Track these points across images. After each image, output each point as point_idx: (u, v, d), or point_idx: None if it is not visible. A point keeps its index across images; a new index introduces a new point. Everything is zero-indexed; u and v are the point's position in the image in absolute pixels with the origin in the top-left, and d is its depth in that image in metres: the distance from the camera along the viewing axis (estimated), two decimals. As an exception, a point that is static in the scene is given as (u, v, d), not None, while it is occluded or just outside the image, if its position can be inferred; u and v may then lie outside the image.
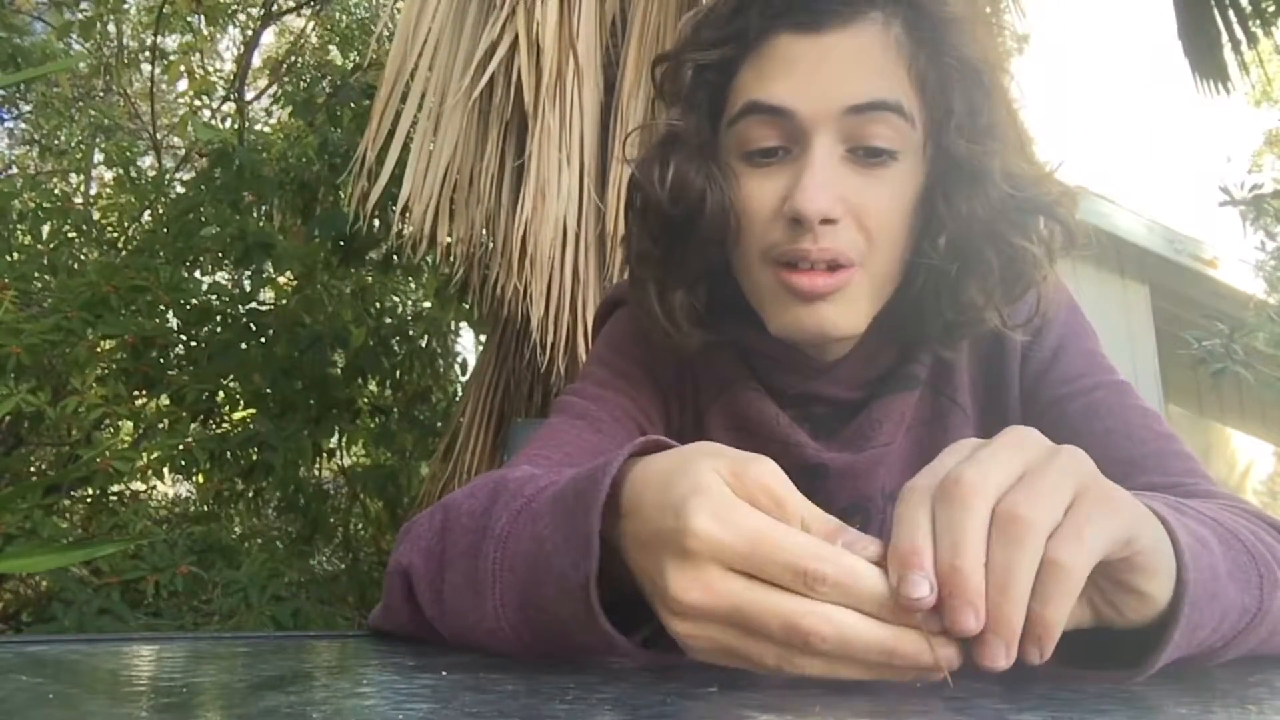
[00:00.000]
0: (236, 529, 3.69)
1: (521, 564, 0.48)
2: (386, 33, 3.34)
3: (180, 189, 3.61)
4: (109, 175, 4.24)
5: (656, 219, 0.70)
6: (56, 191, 3.48)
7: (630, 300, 0.76)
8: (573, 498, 0.46)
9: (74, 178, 4.66)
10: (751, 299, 0.70)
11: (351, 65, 4.18)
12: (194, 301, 3.07)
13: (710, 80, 0.69)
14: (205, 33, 4.71)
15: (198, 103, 4.50)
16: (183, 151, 5.18)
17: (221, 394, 3.16)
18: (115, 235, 3.72)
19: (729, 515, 0.38)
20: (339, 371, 3.39)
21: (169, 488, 4.67)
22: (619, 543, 0.44)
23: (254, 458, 3.05)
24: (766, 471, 0.40)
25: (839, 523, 0.41)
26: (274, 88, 4.89)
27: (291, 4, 4.92)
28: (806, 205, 0.62)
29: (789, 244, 0.64)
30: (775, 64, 0.65)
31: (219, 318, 3.15)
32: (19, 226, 3.27)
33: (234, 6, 4.73)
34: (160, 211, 3.52)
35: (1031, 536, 0.37)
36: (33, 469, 3.52)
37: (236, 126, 3.99)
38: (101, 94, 5.46)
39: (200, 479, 3.16)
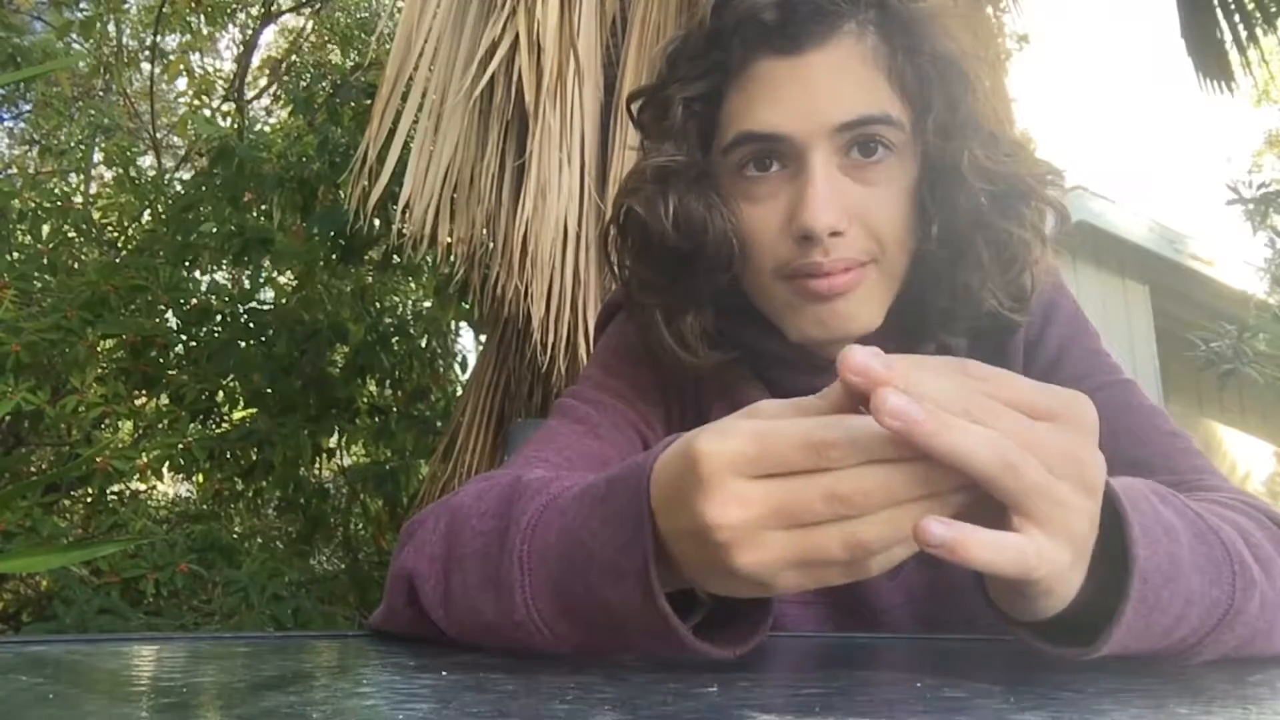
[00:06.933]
0: (236, 528, 3.69)
1: (553, 555, 0.49)
2: (387, 32, 3.34)
3: (180, 188, 3.60)
4: (109, 175, 4.23)
5: (661, 251, 0.71)
6: (56, 191, 3.47)
7: (635, 325, 0.78)
8: (605, 487, 0.47)
9: (74, 177, 4.65)
10: (766, 311, 0.71)
11: (351, 65, 4.17)
12: (193, 301, 3.07)
13: (698, 111, 0.71)
14: (205, 32, 4.71)
15: (197, 102, 4.50)
16: (183, 151, 5.18)
17: (221, 393, 3.15)
18: (115, 235, 3.72)
19: (725, 429, 0.40)
20: (338, 370, 3.38)
21: (169, 487, 4.66)
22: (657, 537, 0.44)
23: (254, 457, 3.05)
24: (761, 403, 0.42)
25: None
26: (274, 87, 4.89)
27: (291, 3, 4.92)
28: (813, 221, 0.63)
29: (800, 259, 0.65)
30: (761, 90, 0.66)
31: (218, 317, 3.15)
32: (19, 226, 3.26)
33: (233, 6, 4.73)
34: (160, 211, 3.52)
35: (1009, 413, 0.40)
36: (32, 469, 3.51)
37: (236, 126, 3.99)
38: (101, 93, 5.46)
39: (200, 478, 3.15)
